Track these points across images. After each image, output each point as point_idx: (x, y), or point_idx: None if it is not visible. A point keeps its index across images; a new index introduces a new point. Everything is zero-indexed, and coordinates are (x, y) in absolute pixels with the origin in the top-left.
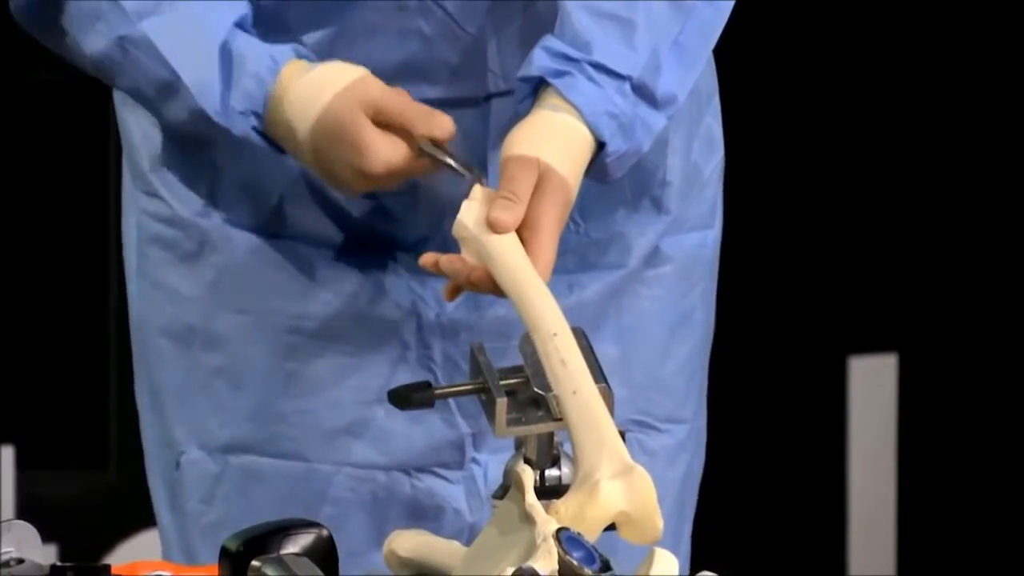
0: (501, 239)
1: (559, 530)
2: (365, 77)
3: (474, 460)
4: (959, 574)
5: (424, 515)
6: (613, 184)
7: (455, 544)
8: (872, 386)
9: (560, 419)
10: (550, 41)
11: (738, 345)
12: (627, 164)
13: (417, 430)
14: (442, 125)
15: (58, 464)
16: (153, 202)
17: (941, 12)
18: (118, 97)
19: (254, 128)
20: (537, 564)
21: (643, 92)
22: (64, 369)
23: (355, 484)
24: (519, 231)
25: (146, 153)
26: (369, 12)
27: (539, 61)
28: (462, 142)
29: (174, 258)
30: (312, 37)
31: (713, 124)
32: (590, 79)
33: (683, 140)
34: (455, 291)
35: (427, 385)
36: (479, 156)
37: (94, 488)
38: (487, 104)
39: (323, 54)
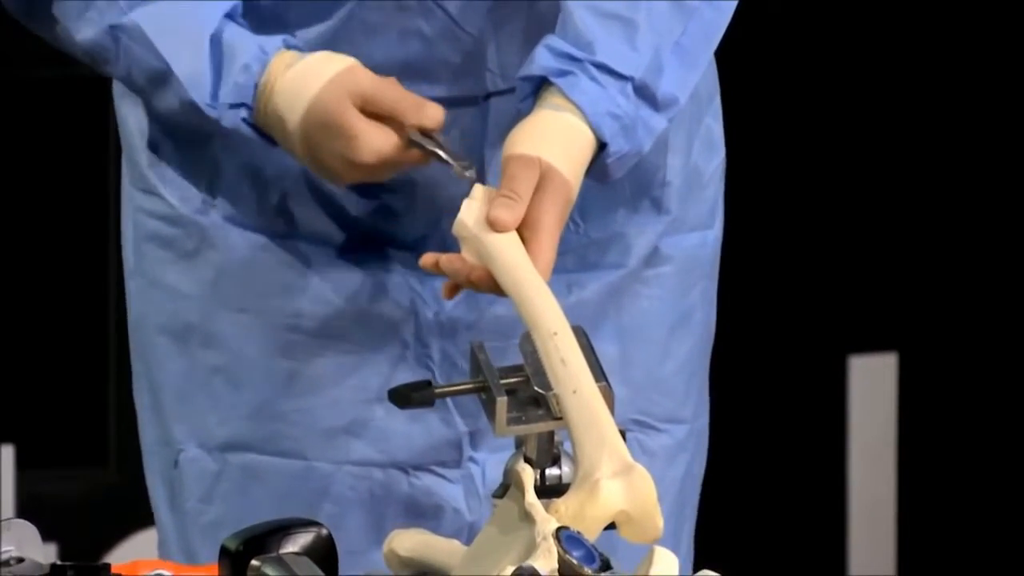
0: (501, 238)
1: (559, 529)
2: (354, 67)
3: (472, 459)
4: (959, 574)
5: (423, 514)
6: (613, 184)
7: (455, 543)
8: (872, 385)
9: (560, 418)
10: (553, 40)
11: (738, 344)
12: (628, 165)
13: (415, 429)
14: (432, 115)
15: (58, 463)
16: (151, 200)
17: (941, 12)
18: (117, 92)
19: (244, 120)
20: (537, 563)
21: (645, 93)
22: (64, 368)
23: (354, 482)
24: (519, 230)
25: (144, 150)
26: (369, 11)
27: (542, 60)
28: (460, 141)
29: (172, 256)
30: (311, 35)
31: (713, 125)
32: (593, 79)
33: (683, 141)
34: (454, 289)
35: (427, 384)
36: (477, 155)
37: (94, 487)
38: (486, 103)
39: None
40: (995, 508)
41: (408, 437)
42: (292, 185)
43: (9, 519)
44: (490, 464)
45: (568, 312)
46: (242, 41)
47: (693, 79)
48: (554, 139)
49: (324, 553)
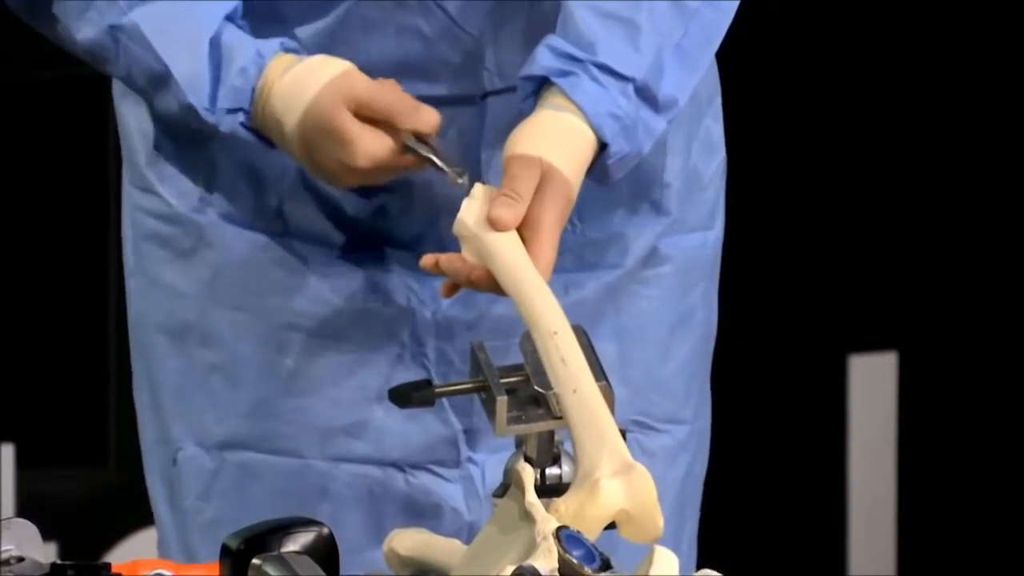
0: (501, 237)
1: (559, 528)
2: (350, 71)
3: (471, 460)
4: (959, 573)
5: (422, 513)
6: (611, 185)
7: (455, 542)
8: (872, 384)
9: (560, 417)
10: (554, 40)
11: (738, 344)
12: (628, 166)
13: (411, 427)
14: (427, 119)
15: (58, 462)
16: (149, 198)
17: (941, 12)
18: (117, 92)
19: (242, 124)
20: (537, 562)
21: (646, 94)
22: (64, 367)
23: (351, 480)
24: (519, 230)
25: (143, 149)
26: (367, 9)
27: (543, 60)
28: (457, 140)
29: (170, 255)
30: (309, 31)
31: (713, 126)
32: (594, 80)
33: (682, 142)
34: (452, 289)
35: (427, 383)
36: (474, 154)
37: (94, 486)
38: (483, 102)
39: (320, 49)
40: (995, 508)
41: (404, 436)
42: (289, 184)
43: (9, 518)
44: (490, 465)
45: (566, 312)
46: (240, 44)
47: (693, 81)
48: (555, 139)
49: (325, 552)
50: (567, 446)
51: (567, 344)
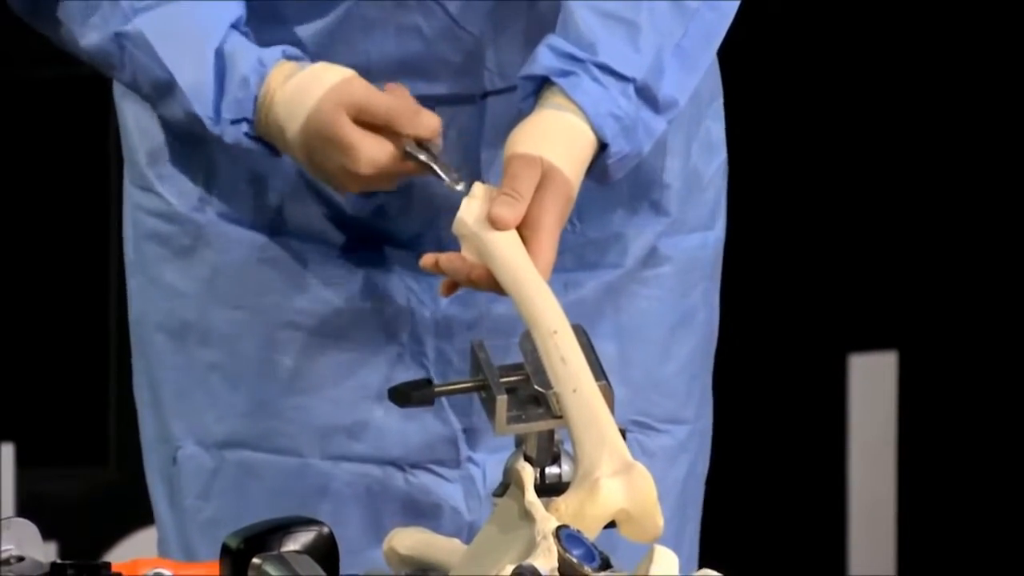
0: (501, 236)
1: (559, 528)
2: (351, 78)
3: (472, 460)
4: (959, 573)
5: (422, 513)
6: (611, 185)
7: (455, 542)
8: (872, 384)
9: (560, 416)
10: (555, 40)
11: (738, 343)
12: (628, 166)
13: (410, 426)
14: (427, 124)
15: (58, 462)
16: (148, 197)
17: (941, 12)
18: (118, 91)
19: (246, 134)
20: (537, 562)
21: (646, 95)
22: (64, 367)
23: (350, 479)
24: (519, 229)
25: (143, 148)
26: (367, 8)
27: (544, 60)
28: (457, 139)
29: (169, 254)
30: (309, 31)
31: (714, 127)
32: (595, 80)
33: (682, 143)
34: (451, 287)
35: (427, 383)
36: (474, 153)
37: (94, 485)
38: (483, 102)
39: (320, 48)
40: (995, 508)
41: (403, 435)
42: (289, 184)
43: (9, 518)
44: (490, 465)
45: (566, 311)
46: (242, 53)
47: (693, 81)
48: (556, 139)
49: (325, 552)
50: (567, 445)
51: (567, 343)
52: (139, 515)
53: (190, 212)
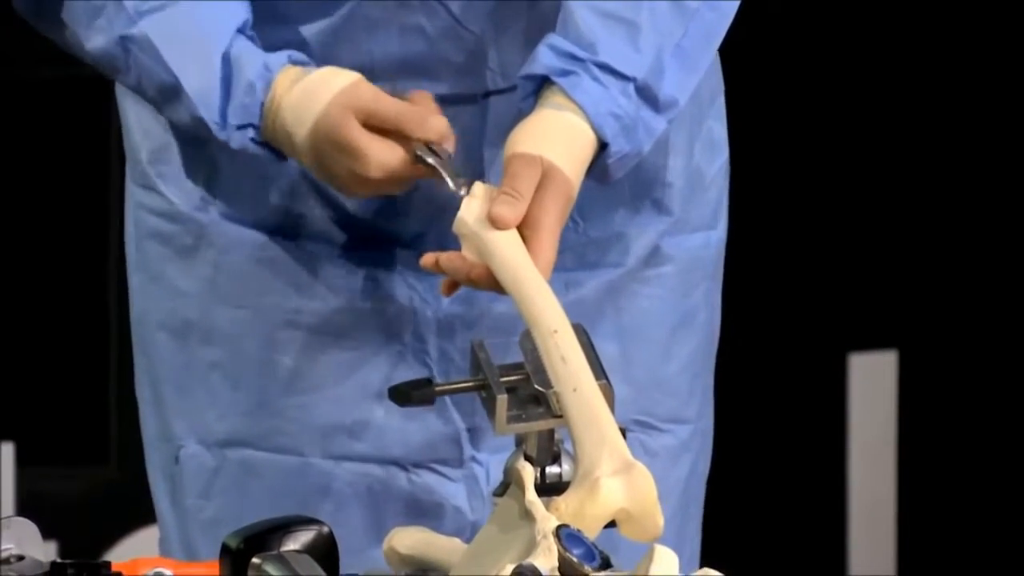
0: (502, 236)
1: (559, 527)
2: (358, 82)
3: (475, 459)
4: (959, 573)
5: (424, 512)
6: (613, 185)
7: (456, 541)
8: (872, 383)
9: (560, 416)
10: (555, 40)
11: (738, 342)
12: (628, 165)
13: (413, 426)
14: (435, 127)
15: (58, 461)
16: (150, 196)
17: (942, 12)
18: (119, 90)
19: (252, 140)
20: (537, 561)
21: (646, 94)
22: (64, 366)
23: (352, 479)
24: (520, 229)
25: (145, 147)
26: (370, 8)
27: (544, 59)
28: (459, 139)
29: (172, 253)
30: (313, 30)
31: (716, 126)
32: (595, 79)
33: (685, 142)
34: (452, 287)
35: (427, 382)
36: (476, 153)
37: (94, 485)
38: (485, 101)
39: (324, 48)
40: (995, 508)
41: (406, 434)
42: (291, 184)
43: (9, 517)
44: (494, 464)
45: (567, 311)
46: (248, 58)
47: (693, 81)
48: (556, 138)
49: (325, 551)
50: (567, 445)
51: (567, 342)
52: (139, 514)
53: (192, 211)
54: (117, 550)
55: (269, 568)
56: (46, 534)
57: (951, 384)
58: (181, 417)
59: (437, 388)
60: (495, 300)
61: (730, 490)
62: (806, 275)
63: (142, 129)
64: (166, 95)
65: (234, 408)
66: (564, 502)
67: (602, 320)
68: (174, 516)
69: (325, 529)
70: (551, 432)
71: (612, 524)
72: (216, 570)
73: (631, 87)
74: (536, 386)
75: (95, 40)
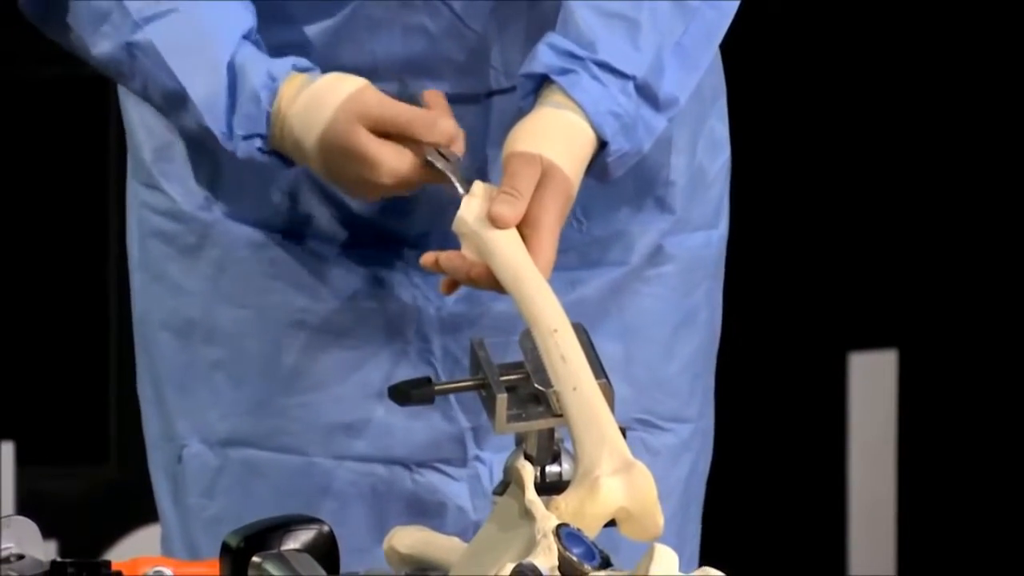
0: (502, 235)
1: (559, 526)
2: (364, 88)
3: (479, 459)
4: (959, 573)
5: (426, 511)
6: (616, 183)
7: (456, 540)
8: (872, 382)
9: (560, 415)
10: (555, 38)
11: (738, 341)
12: (627, 164)
13: (417, 425)
14: (443, 130)
15: (58, 460)
16: (154, 195)
17: (943, 12)
18: (122, 90)
19: (259, 149)
20: (537, 560)
21: (646, 93)
22: (64, 365)
23: (355, 478)
24: (520, 228)
25: (148, 146)
26: (373, 8)
27: (544, 58)
28: (462, 139)
29: (175, 251)
30: (316, 30)
31: (718, 125)
32: (594, 78)
33: (687, 141)
34: (452, 286)
35: (427, 381)
36: (479, 152)
37: (94, 484)
38: (488, 100)
39: (327, 47)
40: (995, 507)
41: (410, 433)
42: (294, 183)
43: (9, 516)
44: (497, 464)
45: (569, 310)
46: (253, 66)
47: (694, 80)
48: (555, 137)
49: (325, 550)
50: (567, 444)
51: (567, 342)
52: (139, 513)
53: (196, 210)
54: (117, 549)
55: (269, 567)
56: (46, 533)
57: (951, 384)
58: (183, 416)
59: (436, 387)
60: (495, 298)
61: (730, 490)
62: (806, 274)
63: (145, 127)
64: (172, 103)
65: (237, 407)
66: (564, 501)
67: (604, 319)
68: (177, 515)
69: (325, 528)
70: (551, 431)
71: (612, 523)
72: (216, 569)
73: (631, 86)
74: (536, 385)
75: (101, 46)
